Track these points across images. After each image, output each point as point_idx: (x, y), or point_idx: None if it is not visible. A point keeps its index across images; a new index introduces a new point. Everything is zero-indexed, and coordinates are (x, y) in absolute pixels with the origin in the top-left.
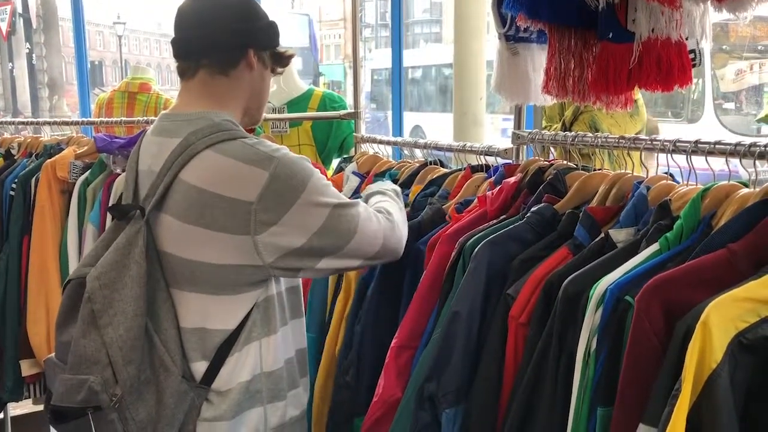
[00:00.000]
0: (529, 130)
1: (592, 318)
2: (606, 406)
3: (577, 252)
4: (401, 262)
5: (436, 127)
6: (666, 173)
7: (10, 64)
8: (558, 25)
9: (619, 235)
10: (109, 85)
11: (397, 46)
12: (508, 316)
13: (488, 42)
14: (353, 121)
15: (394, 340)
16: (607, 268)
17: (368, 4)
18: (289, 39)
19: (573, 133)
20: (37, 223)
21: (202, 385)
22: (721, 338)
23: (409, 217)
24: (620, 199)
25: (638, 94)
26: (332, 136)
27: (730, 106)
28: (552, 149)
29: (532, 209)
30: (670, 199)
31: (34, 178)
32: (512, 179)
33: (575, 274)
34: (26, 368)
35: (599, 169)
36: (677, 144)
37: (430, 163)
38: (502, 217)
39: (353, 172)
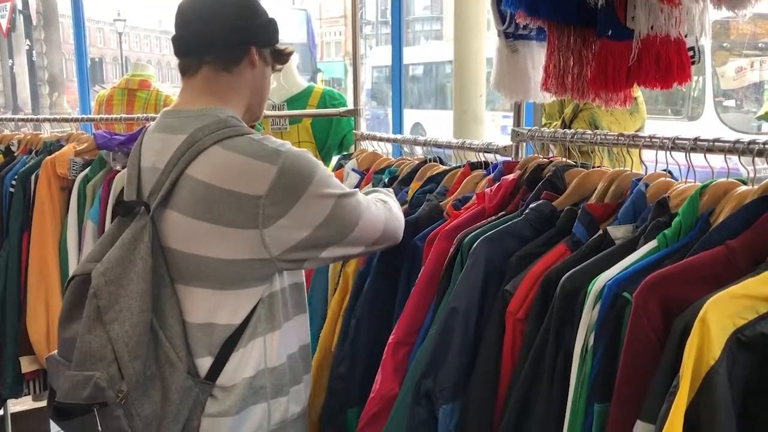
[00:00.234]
0: (529, 128)
1: (589, 314)
2: (603, 403)
3: (575, 248)
4: (397, 257)
5: (436, 125)
6: (665, 171)
7: (10, 60)
8: (557, 22)
9: (618, 232)
10: (109, 82)
11: (398, 43)
12: (505, 312)
13: (488, 39)
14: (353, 118)
15: (391, 336)
16: (605, 264)
17: (368, 1)
18: (286, 35)
19: (572, 130)
20: (36, 220)
21: (207, 381)
22: (719, 335)
23: (407, 214)
24: (619, 196)
25: (638, 92)
26: (332, 133)
27: (731, 103)
28: (552, 146)
29: (531, 206)
30: (668, 196)
31: (33, 175)
32: (511, 176)
33: (573, 270)
34: (26, 365)
35: (598, 167)
36: (676, 141)
37: (430, 161)
38: (500, 214)
39: (353, 169)
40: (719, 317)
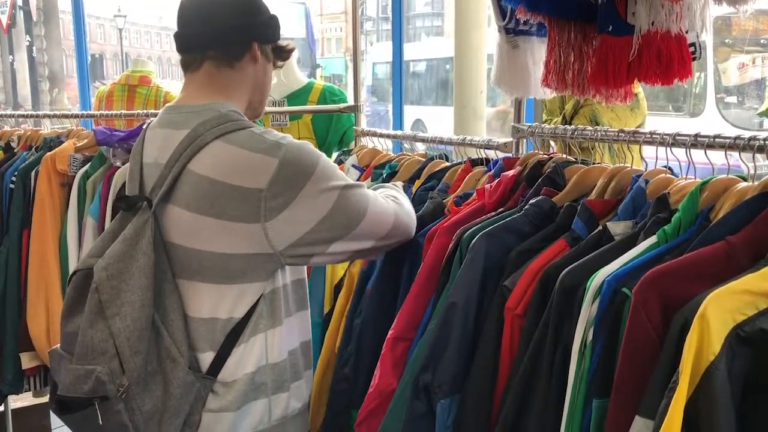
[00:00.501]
0: (529, 124)
1: (588, 310)
2: (602, 398)
3: (574, 244)
4: (401, 256)
5: (437, 121)
6: (665, 167)
7: (11, 56)
8: (558, 17)
9: (617, 228)
10: (110, 78)
11: (398, 39)
12: (504, 307)
13: (489, 35)
14: (353, 114)
15: (390, 331)
16: (605, 260)
17: None
18: (285, 29)
19: (573, 126)
20: (36, 216)
21: (208, 376)
22: (718, 331)
23: None
24: (619, 192)
25: (639, 88)
26: (332, 130)
27: (732, 100)
28: (552, 143)
29: (531, 202)
30: (668, 193)
31: (34, 171)
32: (511, 172)
33: (572, 266)
34: (26, 361)
35: (599, 163)
36: (677, 137)
37: (436, 158)
38: (500, 210)
39: (353, 165)
40: (719, 313)
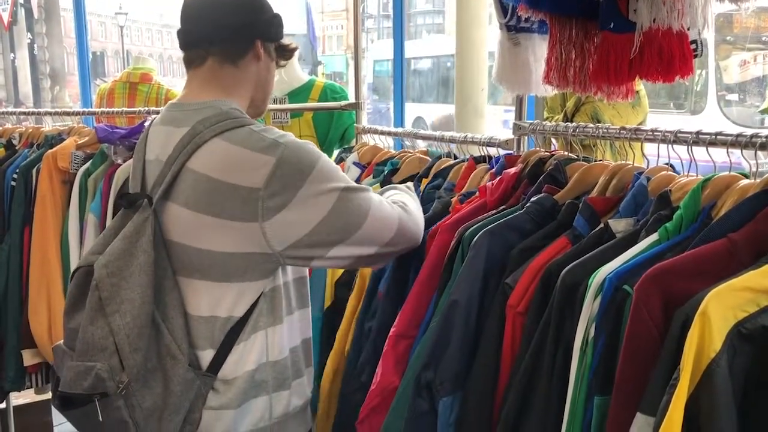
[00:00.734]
0: (531, 121)
1: (590, 307)
2: (603, 395)
3: (576, 242)
4: (412, 257)
5: (438, 119)
6: (666, 164)
7: (12, 54)
8: (559, 15)
9: (619, 225)
10: (111, 76)
11: (399, 36)
12: (506, 305)
13: (490, 33)
14: (354, 111)
15: (392, 329)
16: (606, 257)
17: None
18: (286, 26)
19: (574, 123)
20: (38, 214)
21: (209, 374)
22: (720, 328)
23: None
24: (620, 189)
25: (640, 85)
26: (333, 127)
27: (734, 97)
28: (553, 140)
29: (532, 199)
30: (670, 190)
31: (35, 169)
32: (512, 170)
33: (574, 263)
34: (28, 358)
35: (600, 160)
36: (678, 135)
37: (444, 156)
38: (501, 208)
39: (354, 163)
40: (720, 310)
